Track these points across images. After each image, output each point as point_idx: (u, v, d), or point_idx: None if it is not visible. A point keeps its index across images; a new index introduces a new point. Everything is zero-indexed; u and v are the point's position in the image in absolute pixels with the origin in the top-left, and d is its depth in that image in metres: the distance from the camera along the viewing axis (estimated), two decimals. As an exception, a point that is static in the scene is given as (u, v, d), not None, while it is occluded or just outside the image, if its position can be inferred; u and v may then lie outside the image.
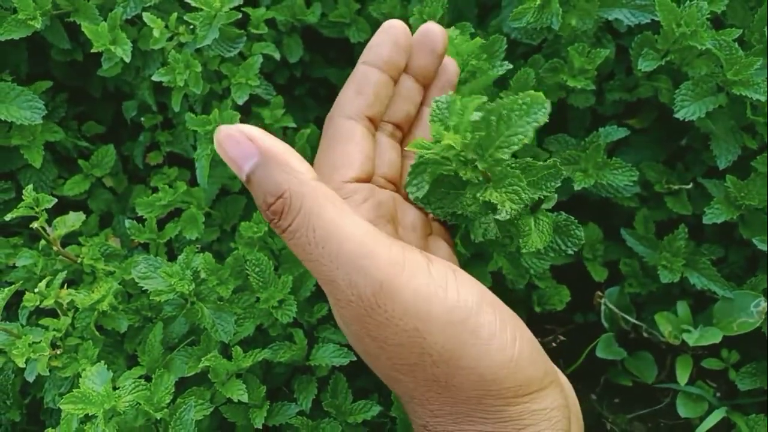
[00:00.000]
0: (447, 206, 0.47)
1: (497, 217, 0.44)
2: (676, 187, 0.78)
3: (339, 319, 0.44)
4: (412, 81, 0.50)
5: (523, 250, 0.54)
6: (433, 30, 0.49)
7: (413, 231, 0.49)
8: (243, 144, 0.38)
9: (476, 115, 0.40)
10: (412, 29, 0.76)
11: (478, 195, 0.43)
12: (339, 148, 0.46)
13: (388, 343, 0.39)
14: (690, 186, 0.78)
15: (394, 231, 0.47)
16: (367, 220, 0.41)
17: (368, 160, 0.47)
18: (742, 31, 0.71)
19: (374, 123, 0.49)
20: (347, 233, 0.38)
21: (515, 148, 0.41)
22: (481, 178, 0.43)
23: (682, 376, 0.76)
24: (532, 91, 0.40)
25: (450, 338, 0.38)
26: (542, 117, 0.40)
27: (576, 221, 0.59)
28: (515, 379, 0.39)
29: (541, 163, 0.45)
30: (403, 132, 0.52)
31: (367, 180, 0.47)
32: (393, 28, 0.48)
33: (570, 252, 0.60)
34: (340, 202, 0.40)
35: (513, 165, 0.44)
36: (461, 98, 0.41)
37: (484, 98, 0.41)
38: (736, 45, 0.69)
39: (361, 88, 0.47)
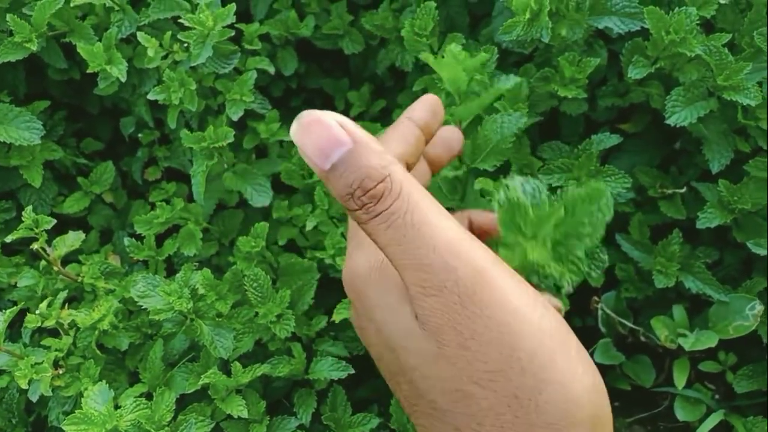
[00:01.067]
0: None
1: (562, 291, 0.44)
2: (670, 191, 0.78)
3: (399, 319, 0.40)
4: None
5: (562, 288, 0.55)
6: (454, 134, 0.52)
7: None
8: (334, 130, 0.36)
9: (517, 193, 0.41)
10: (405, 41, 0.77)
11: (541, 271, 0.43)
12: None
13: (476, 338, 0.37)
14: (684, 190, 0.78)
15: None
16: None
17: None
18: (732, 35, 0.71)
19: (408, 168, 0.50)
20: (446, 222, 0.37)
21: (588, 240, 0.41)
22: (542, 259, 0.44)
23: (680, 379, 0.76)
24: (592, 182, 0.41)
25: (541, 345, 0.36)
26: (605, 209, 0.41)
27: (603, 247, 0.60)
28: (595, 409, 0.37)
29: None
30: None
31: None
32: (432, 100, 0.50)
33: (594, 275, 0.60)
34: (429, 196, 0.39)
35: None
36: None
37: (561, 209, 0.41)
38: (726, 50, 0.69)
39: (405, 138, 0.47)
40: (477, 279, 0.36)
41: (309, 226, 0.77)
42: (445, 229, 0.37)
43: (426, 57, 0.57)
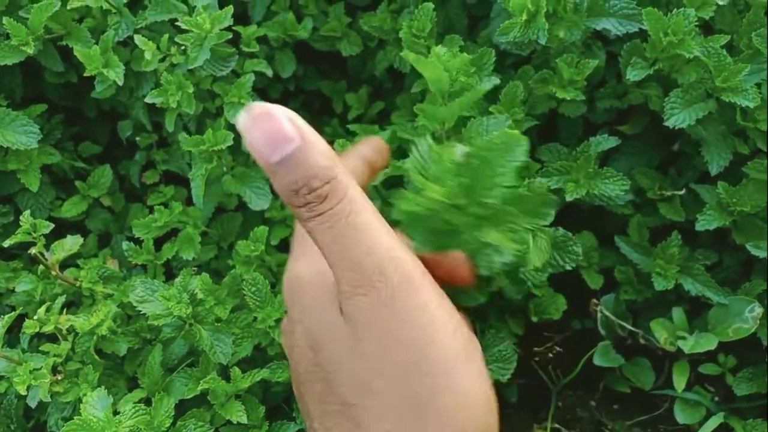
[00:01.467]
0: (446, 246, 0.47)
1: (502, 260, 0.44)
2: (668, 193, 0.78)
3: (325, 316, 0.42)
4: None
5: (522, 269, 0.55)
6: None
7: None
8: (285, 126, 0.37)
9: (459, 156, 0.41)
10: (404, 42, 0.77)
11: (476, 235, 0.44)
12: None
13: (392, 336, 0.39)
14: (683, 192, 0.78)
15: None
16: None
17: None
18: (730, 37, 0.71)
19: None
20: (383, 226, 0.39)
21: (501, 190, 0.41)
22: (473, 222, 0.43)
23: (680, 382, 0.76)
24: (506, 130, 0.41)
25: (448, 354, 0.39)
26: (521, 154, 0.41)
27: (573, 238, 0.60)
28: (487, 422, 0.40)
29: (532, 193, 0.45)
30: None
31: None
32: (378, 143, 0.53)
33: (568, 268, 0.60)
34: (370, 203, 0.40)
35: (506, 199, 0.44)
36: (435, 145, 0.41)
37: (459, 145, 0.41)
38: (724, 52, 0.69)
39: (354, 170, 0.49)
40: (405, 284, 0.38)
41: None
42: (383, 234, 0.39)
43: (407, 56, 0.57)
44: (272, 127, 0.36)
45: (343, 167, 0.39)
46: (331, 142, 0.87)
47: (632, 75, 0.71)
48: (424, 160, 0.42)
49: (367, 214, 0.39)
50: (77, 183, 0.85)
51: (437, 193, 0.40)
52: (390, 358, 0.39)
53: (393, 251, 0.38)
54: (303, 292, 0.43)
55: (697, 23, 0.69)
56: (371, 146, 0.51)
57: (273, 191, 0.80)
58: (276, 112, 0.37)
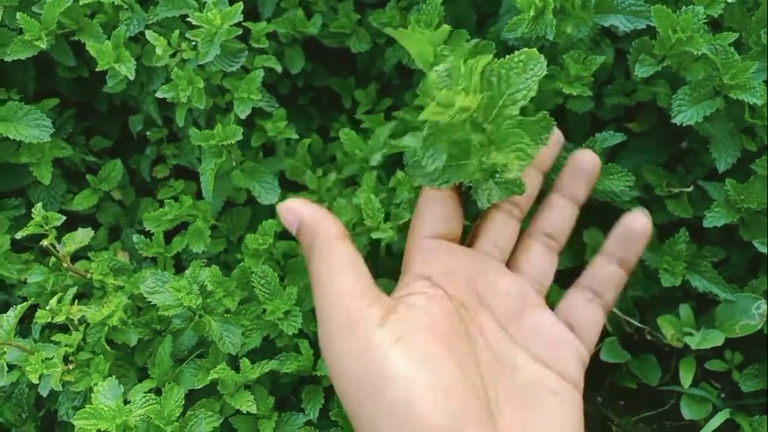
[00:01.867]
0: (453, 177, 0.47)
1: (508, 176, 0.44)
2: (676, 190, 0.78)
3: None
4: (566, 200, 0.56)
5: None
6: (586, 159, 0.57)
7: (504, 297, 0.51)
8: (287, 215, 0.50)
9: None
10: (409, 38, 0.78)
11: (483, 159, 0.44)
12: (424, 207, 0.52)
13: (343, 373, 0.45)
14: (690, 189, 0.78)
15: (469, 289, 0.49)
16: (429, 273, 0.48)
17: (452, 220, 0.51)
18: (739, 34, 0.71)
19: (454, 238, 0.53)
20: (326, 287, 0.45)
21: (522, 103, 0.42)
22: (483, 143, 0.44)
23: (686, 378, 0.76)
24: (526, 49, 0.41)
25: (355, 397, 0.43)
26: (540, 70, 0.41)
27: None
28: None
29: (532, 117, 0.46)
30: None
31: (451, 239, 0.51)
32: None
33: None
34: (341, 260, 0.45)
35: (510, 124, 0.44)
36: (465, 61, 0.42)
37: (489, 56, 0.42)
38: (732, 49, 0.69)
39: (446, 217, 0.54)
40: (325, 340, 0.45)
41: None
42: (325, 294, 0.46)
43: (389, 31, 0.57)
44: (284, 219, 0.51)
45: (322, 236, 0.47)
46: (338, 138, 0.88)
47: (640, 72, 0.71)
48: (447, 79, 0.42)
49: (317, 276, 0.47)
50: (88, 177, 0.85)
51: (467, 101, 0.41)
52: (346, 390, 0.45)
53: (320, 310, 0.46)
54: None
55: (705, 20, 0.70)
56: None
57: (282, 185, 0.81)
58: (281, 210, 0.50)
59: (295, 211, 0.48)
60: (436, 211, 0.51)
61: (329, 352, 0.43)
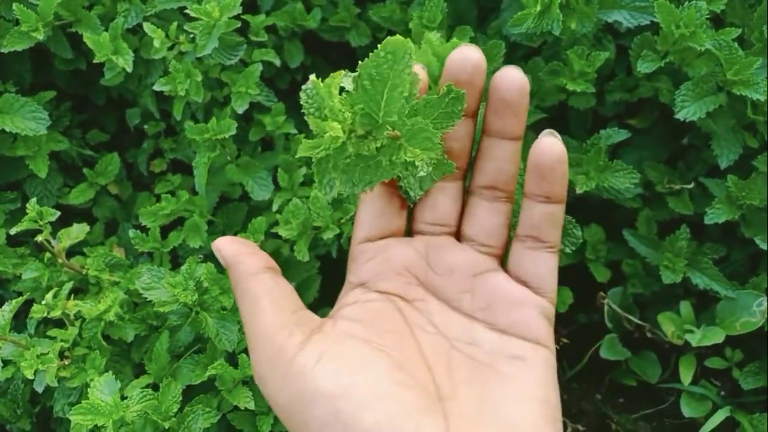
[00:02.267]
0: (373, 179, 0.44)
1: (420, 174, 0.42)
2: (677, 186, 0.78)
3: None
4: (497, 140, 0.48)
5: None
6: (506, 79, 0.46)
7: (450, 274, 0.48)
8: (218, 255, 0.46)
9: (348, 84, 0.38)
10: (413, 33, 0.77)
11: (394, 159, 0.41)
12: (358, 211, 0.49)
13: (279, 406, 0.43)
14: (692, 185, 0.78)
15: (407, 281, 0.47)
16: (362, 280, 0.46)
17: (378, 218, 0.48)
18: (741, 30, 0.71)
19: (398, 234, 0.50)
20: (251, 325, 0.43)
21: (401, 102, 0.39)
22: (390, 141, 0.41)
23: (686, 375, 0.76)
24: (389, 38, 0.38)
25: (292, 428, 0.41)
26: (411, 61, 0.38)
27: (574, 221, 0.59)
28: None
29: (440, 96, 0.42)
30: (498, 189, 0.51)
31: (385, 236, 0.48)
32: None
33: (568, 251, 0.59)
34: (259, 297, 0.44)
35: (414, 111, 0.41)
36: (319, 81, 0.39)
37: (344, 72, 0.39)
38: (736, 45, 0.68)
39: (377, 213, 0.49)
40: (258, 380, 0.42)
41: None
42: (249, 333, 0.43)
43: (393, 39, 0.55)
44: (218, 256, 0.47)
45: (240, 273, 0.45)
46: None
47: (643, 67, 0.71)
48: (314, 100, 0.40)
49: (243, 317, 0.45)
50: (85, 170, 0.85)
51: (334, 129, 0.38)
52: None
53: (252, 349, 0.43)
54: None
55: (708, 16, 0.69)
56: None
57: (275, 182, 0.80)
58: (214, 247, 0.47)
59: (220, 249, 0.46)
60: (366, 212, 0.48)
61: (263, 389, 0.42)
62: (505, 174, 0.48)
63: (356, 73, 0.38)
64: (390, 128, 0.40)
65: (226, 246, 0.46)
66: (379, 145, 0.40)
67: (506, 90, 0.45)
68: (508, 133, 0.47)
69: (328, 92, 0.38)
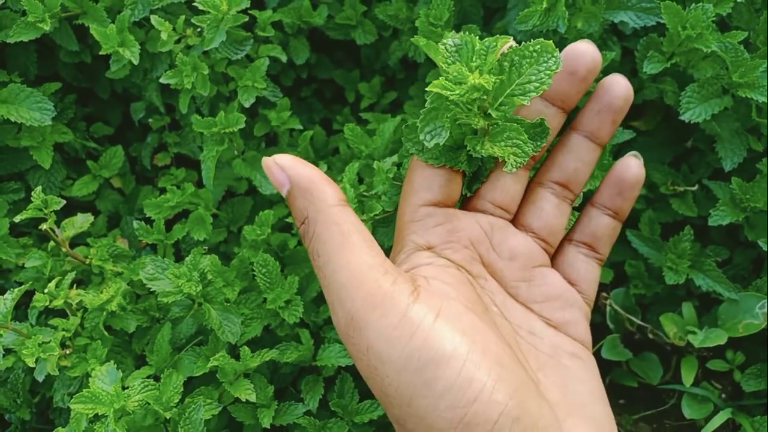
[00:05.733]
0: (442, 159, 0.45)
1: (504, 169, 0.43)
2: (681, 188, 0.78)
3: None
4: (585, 139, 0.49)
5: None
6: (615, 85, 0.47)
7: (511, 260, 0.47)
8: (278, 173, 0.42)
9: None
10: (420, 31, 0.77)
11: (478, 148, 0.42)
12: (416, 174, 0.46)
13: (362, 373, 0.40)
14: (695, 188, 0.78)
15: (472, 256, 0.46)
16: (431, 243, 0.43)
17: (446, 184, 0.46)
18: (747, 33, 0.71)
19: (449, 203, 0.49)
20: (341, 264, 0.39)
21: (533, 94, 0.40)
22: (480, 132, 0.42)
23: (687, 377, 0.76)
24: (542, 39, 0.40)
25: (404, 384, 0.37)
26: (555, 65, 0.40)
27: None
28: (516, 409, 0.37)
29: (530, 120, 0.44)
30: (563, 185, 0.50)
31: (449, 204, 0.47)
32: None
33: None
34: (350, 232, 0.40)
35: (507, 120, 0.43)
36: (480, 39, 0.40)
37: (510, 38, 0.40)
38: (742, 47, 0.69)
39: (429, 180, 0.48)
40: (349, 323, 0.39)
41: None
42: (337, 273, 0.40)
43: (418, 41, 0.56)
44: (272, 177, 0.43)
45: (322, 202, 0.41)
46: (341, 131, 0.88)
47: (649, 68, 0.71)
48: (456, 55, 0.40)
49: (329, 249, 0.40)
50: (89, 162, 0.85)
51: (481, 81, 0.38)
52: (370, 386, 0.40)
53: (342, 290, 0.39)
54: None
55: (714, 19, 0.69)
56: None
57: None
58: (270, 164, 0.43)
59: (287, 167, 0.42)
60: (429, 176, 0.47)
61: (359, 338, 0.38)
62: (581, 176, 0.49)
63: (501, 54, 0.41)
64: (498, 113, 0.41)
65: (296, 165, 0.42)
66: (484, 125, 0.41)
67: (615, 95, 0.46)
68: (599, 137, 0.48)
69: (486, 50, 0.40)
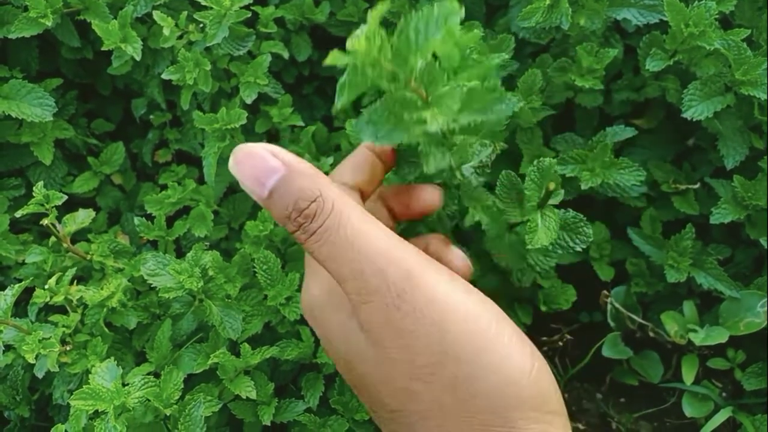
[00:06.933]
0: (395, 136, 0.45)
1: (428, 129, 0.42)
2: (683, 186, 0.78)
3: (348, 334, 0.42)
4: None
5: (529, 247, 0.54)
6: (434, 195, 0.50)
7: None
8: (267, 160, 0.39)
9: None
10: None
11: (414, 116, 0.42)
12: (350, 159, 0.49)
13: (410, 336, 0.39)
14: (697, 186, 0.78)
15: None
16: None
17: (370, 173, 0.48)
18: (750, 31, 0.71)
19: (363, 195, 0.49)
20: (377, 232, 0.39)
21: (438, 66, 0.40)
22: (420, 102, 0.42)
23: (688, 375, 0.76)
24: (442, 2, 0.39)
25: (471, 339, 0.38)
26: (455, 21, 0.39)
27: (584, 219, 0.59)
28: (536, 390, 0.38)
29: (483, 88, 0.43)
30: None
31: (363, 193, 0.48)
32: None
33: (578, 249, 0.59)
34: (362, 208, 0.41)
35: (456, 87, 0.42)
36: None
37: (387, 2, 0.39)
38: (745, 45, 0.69)
39: (359, 166, 0.48)
40: (406, 280, 0.38)
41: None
42: (376, 239, 0.39)
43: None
44: (257, 165, 0.39)
45: (328, 183, 0.40)
46: (342, 128, 0.87)
47: (652, 65, 0.71)
48: (359, 32, 0.38)
49: (356, 222, 0.39)
50: (89, 159, 0.84)
51: (363, 45, 0.37)
52: (415, 358, 0.39)
53: (388, 252, 0.39)
54: (321, 314, 0.44)
55: (716, 17, 0.69)
56: None
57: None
58: (257, 150, 0.39)
59: (279, 153, 0.39)
60: (350, 160, 0.48)
61: (412, 296, 0.38)
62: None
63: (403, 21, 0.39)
64: (417, 83, 0.40)
65: (286, 152, 0.40)
66: (407, 94, 0.40)
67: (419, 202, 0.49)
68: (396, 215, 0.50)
69: (375, 18, 0.38)
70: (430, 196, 0.49)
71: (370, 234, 0.39)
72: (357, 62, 0.39)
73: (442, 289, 0.39)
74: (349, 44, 0.38)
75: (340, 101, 0.41)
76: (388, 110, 0.42)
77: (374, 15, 0.38)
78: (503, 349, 0.38)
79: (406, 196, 0.49)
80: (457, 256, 0.48)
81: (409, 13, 0.39)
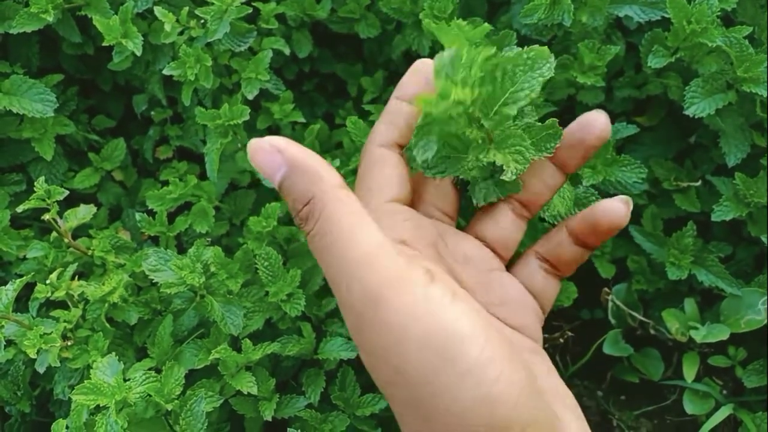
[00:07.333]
0: (449, 170, 0.45)
1: (503, 177, 0.43)
2: (684, 184, 0.78)
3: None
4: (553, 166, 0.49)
5: (546, 215, 0.54)
6: (592, 121, 0.47)
7: (466, 263, 0.47)
8: (272, 155, 0.40)
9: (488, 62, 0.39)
10: (424, 23, 0.77)
11: (481, 157, 0.42)
12: (376, 171, 0.46)
13: (373, 354, 0.39)
14: (699, 183, 0.78)
15: (435, 254, 0.46)
16: (403, 238, 0.43)
17: (406, 183, 0.46)
18: (752, 28, 0.71)
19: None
20: (355, 241, 0.38)
21: (522, 103, 0.40)
22: (483, 140, 0.42)
23: (689, 373, 0.76)
24: (536, 46, 0.39)
25: (423, 362, 0.37)
26: (547, 71, 0.39)
27: (597, 194, 0.59)
28: (489, 418, 0.36)
29: (541, 124, 0.44)
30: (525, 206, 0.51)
31: (407, 203, 0.47)
32: (424, 65, 0.48)
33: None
34: (359, 212, 0.40)
35: (514, 126, 0.43)
36: (467, 50, 0.39)
37: (493, 49, 0.39)
38: (747, 42, 0.69)
39: (393, 120, 0.47)
40: (366, 302, 0.38)
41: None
42: (354, 249, 0.38)
43: (428, 24, 0.56)
44: (265, 159, 0.40)
45: (327, 183, 0.40)
46: (343, 125, 0.87)
47: (653, 62, 0.71)
48: (450, 67, 0.39)
49: (339, 228, 0.39)
50: (90, 155, 0.84)
51: (462, 95, 0.37)
52: (379, 371, 0.39)
53: (360, 266, 0.38)
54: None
55: (719, 14, 0.69)
56: (413, 81, 0.48)
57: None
58: (264, 145, 0.40)
59: (284, 149, 0.40)
60: (390, 174, 0.47)
61: (374, 315, 0.37)
62: (542, 198, 0.50)
63: (492, 62, 0.39)
64: (493, 123, 0.40)
65: (292, 147, 0.40)
66: (478, 136, 0.40)
67: (591, 133, 0.47)
68: (567, 167, 0.49)
69: (470, 63, 0.38)
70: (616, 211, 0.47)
71: (349, 243, 0.38)
72: (451, 111, 0.38)
73: (403, 311, 0.37)
74: (444, 90, 0.38)
75: (429, 151, 0.41)
76: (448, 147, 0.43)
77: (480, 58, 0.38)
78: (455, 376, 0.37)
79: (591, 214, 0.48)
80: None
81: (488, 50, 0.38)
